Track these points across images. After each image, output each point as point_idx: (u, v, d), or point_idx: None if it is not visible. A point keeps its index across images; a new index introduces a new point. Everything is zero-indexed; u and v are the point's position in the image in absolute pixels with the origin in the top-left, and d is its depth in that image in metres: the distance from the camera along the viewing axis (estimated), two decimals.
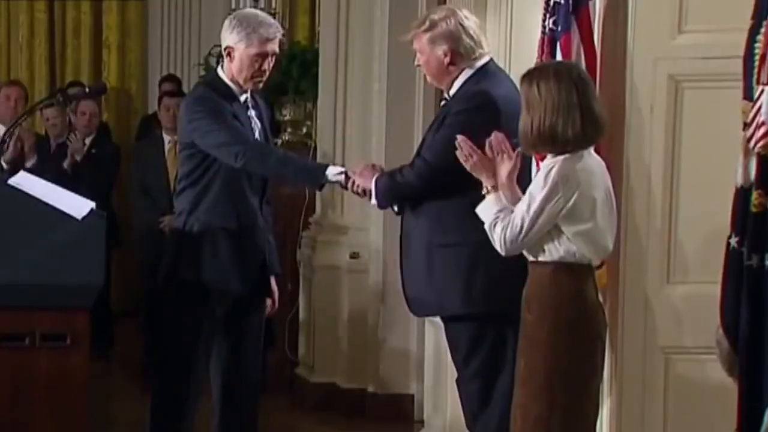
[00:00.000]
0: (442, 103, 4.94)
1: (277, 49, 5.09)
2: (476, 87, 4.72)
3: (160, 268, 5.20)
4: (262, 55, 5.02)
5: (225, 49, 5.09)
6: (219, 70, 5.17)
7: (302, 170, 5.15)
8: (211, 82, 5.18)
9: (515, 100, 4.46)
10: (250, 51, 5.01)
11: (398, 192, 4.80)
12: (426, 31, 4.77)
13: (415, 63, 4.89)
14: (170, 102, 8.30)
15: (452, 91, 4.80)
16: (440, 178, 4.65)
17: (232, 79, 5.08)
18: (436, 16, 4.80)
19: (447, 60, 4.75)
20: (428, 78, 4.92)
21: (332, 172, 4.96)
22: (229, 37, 5.05)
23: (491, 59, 4.85)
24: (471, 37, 4.76)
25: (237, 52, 5.03)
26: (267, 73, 5.10)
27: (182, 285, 5.06)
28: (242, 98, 5.12)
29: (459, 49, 4.74)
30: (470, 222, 4.55)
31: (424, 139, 4.90)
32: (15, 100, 8.60)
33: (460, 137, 4.43)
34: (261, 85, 5.15)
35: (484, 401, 4.74)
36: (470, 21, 4.80)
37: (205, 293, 5.04)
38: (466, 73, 4.78)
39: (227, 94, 5.07)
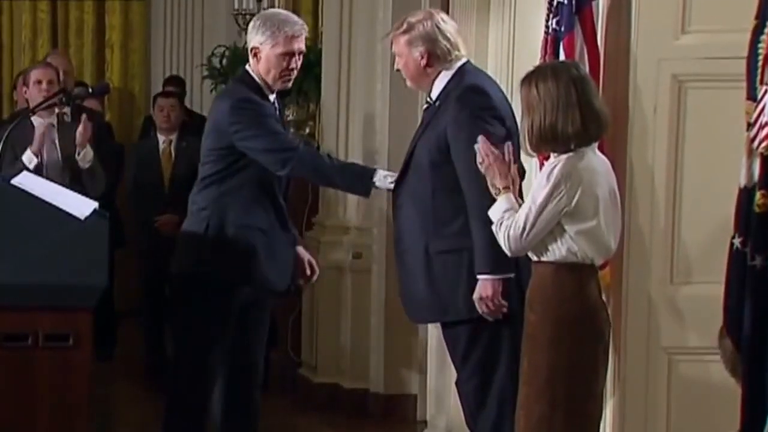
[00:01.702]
0: (425, 106, 4.92)
1: (303, 47, 5.08)
2: (466, 84, 4.70)
3: (171, 265, 5.16)
4: (289, 54, 5.01)
5: (251, 50, 5.06)
6: (249, 69, 5.12)
7: (351, 177, 5.06)
8: (246, 82, 5.11)
9: (502, 93, 4.59)
10: (276, 50, 5.00)
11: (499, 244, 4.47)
12: (404, 33, 4.79)
13: (395, 67, 4.90)
14: (164, 102, 8.28)
15: (434, 94, 4.81)
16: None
17: (260, 80, 5.07)
18: (413, 19, 4.82)
19: (423, 62, 4.77)
20: (407, 81, 4.91)
21: (382, 177, 4.93)
22: (254, 37, 5.04)
23: (468, 61, 4.86)
24: (447, 40, 4.77)
25: (263, 53, 5.01)
26: (295, 72, 5.08)
27: (208, 283, 5.01)
28: (271, 98, 5.12)
29: (435, 51, 4.76)
30: (467, 226, 4.55)
31: (415, 144, 4.85)
32: (48, 83, 8.52)
33: (480, 138, 4.42)
34: (289, 84, 5.13)
35: (482, 399, 4.75)
36: (447, 24, 4.83)
37: (230, 290, 5.01)
38: (445, 75, 4.79)
39: (261, 95, 5.06)
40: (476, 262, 4.63)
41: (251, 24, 5.12)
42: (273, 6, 9.56)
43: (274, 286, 5.11)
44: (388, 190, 4.93)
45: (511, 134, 4.62)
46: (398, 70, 4.91)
